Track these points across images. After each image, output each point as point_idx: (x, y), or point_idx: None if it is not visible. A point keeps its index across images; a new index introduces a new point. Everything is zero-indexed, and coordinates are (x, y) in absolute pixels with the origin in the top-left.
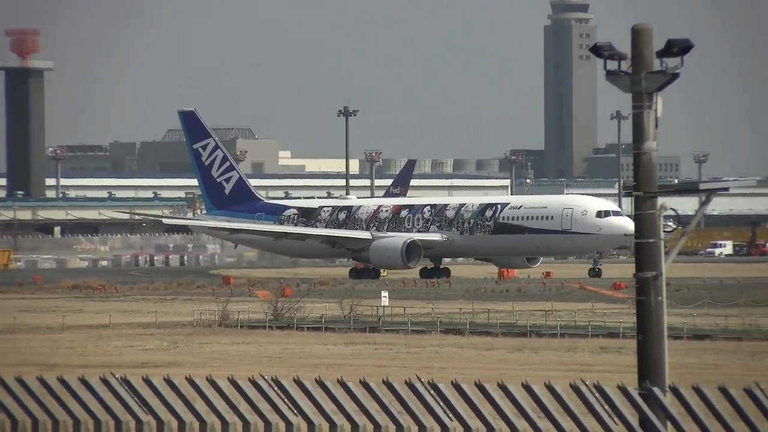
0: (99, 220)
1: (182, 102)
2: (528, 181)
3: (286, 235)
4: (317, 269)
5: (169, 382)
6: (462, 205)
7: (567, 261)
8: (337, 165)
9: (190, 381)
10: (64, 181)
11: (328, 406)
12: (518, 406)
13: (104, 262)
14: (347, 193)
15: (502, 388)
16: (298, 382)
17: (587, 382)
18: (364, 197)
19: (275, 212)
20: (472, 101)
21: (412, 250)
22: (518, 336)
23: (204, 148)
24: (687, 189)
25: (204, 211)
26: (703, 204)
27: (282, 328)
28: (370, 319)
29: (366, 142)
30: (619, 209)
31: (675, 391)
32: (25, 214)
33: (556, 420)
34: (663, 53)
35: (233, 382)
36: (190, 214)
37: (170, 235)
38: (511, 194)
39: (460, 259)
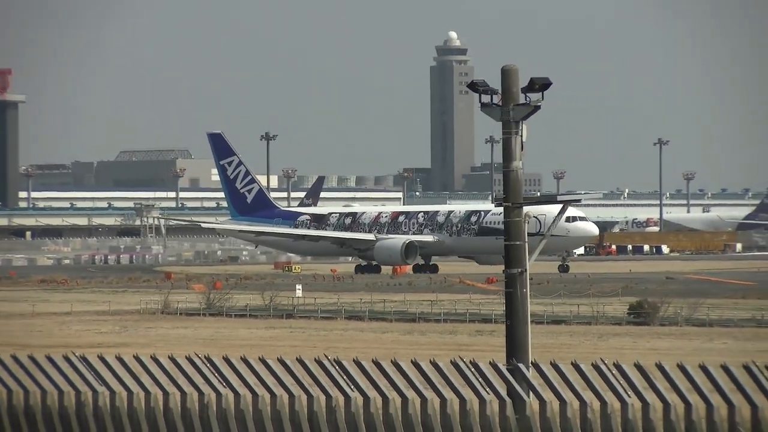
0: (62, 225)
1: (133, 127)
2: (417, 193)
3: (303, 237)
4: (243, 267)
5: (120, 360)
6: (450, 211)
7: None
8: (259, 180)
9: (137, 359)
10: (34, 194)
11: (252, 380)
12: (408, 380)
13: (67, 261)
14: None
15: (395, 364)
16: (227, 360)
17: (465, 360)
18: (366, 206)
19: (291, 218)
20: (371, 127)
21: (410, 250)
22: (409, 321)
23: (229, 164)
24: (547, 201)
25: (229, 218)
26: (560, 213)
27: (214, 315)
28: (286, 308)
29: (284, 161)
30: (584, 215)
31: (536, 367)
32: (2, 221)
33: (439, 391)
34: (527, 89)
35: (173, 360)
36: (138, 221)
37: (122, 238)
38: (403, 205)
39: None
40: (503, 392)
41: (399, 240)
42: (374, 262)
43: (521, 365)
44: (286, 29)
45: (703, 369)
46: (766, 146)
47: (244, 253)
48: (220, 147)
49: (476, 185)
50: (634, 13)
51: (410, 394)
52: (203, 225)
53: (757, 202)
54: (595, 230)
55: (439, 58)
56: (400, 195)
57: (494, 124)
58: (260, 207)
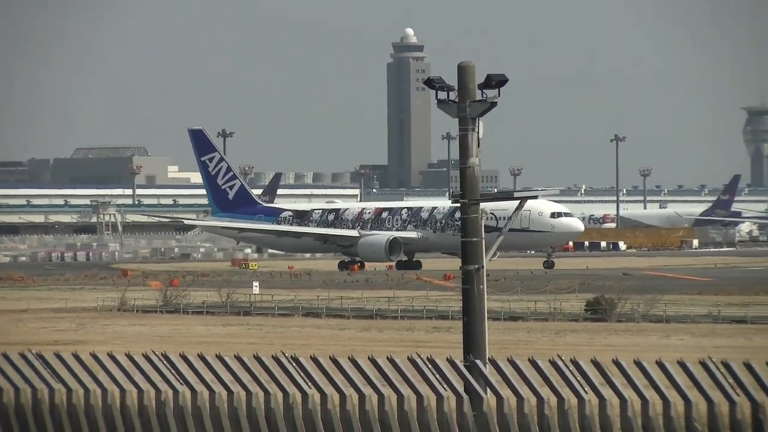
0: (19, 223)
1: (90, 125)
2: (374, 190)
3: (286, 233)
4: (200, 263)
5: (77, 357)
6: (434, 208)
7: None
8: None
9: (94, 356)
10: None
11: (209, 377)
12: (365, 376)
13: (23, 258)
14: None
15: (352, 361)
16: (184, 357)
17: (422, 356)
18: (349, 202)
19: (273, 214)
20: (328, 124)
21: (394, 246)
22: (366, 318)
23: (210, 160)
24: (504, 197)
25: (209, 215)
26: (517, 208)
27: (171, 313)
28: (243, 305)
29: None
30: (569, 211)
31: (494, 363)
32: None
33: (396, 387)
34: (484, 86)
35: (130, 357)
36: (95, 218)
37: (78, 235)
38: (360, 201)
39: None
40: (460, 389)
41: (383, 236)
42: (358, 259)
43: (478, 362)
44: (241, 24)
45: (660, 365)
46: (722, 143)
47: (201, 250)
48: (201, 143)
49: (433, 182)
50: (589, 10)
51: (367, 390)
52: (186, 222)
53: (713, 198)
54: (580, 226)
55: (396, 55)
56: (357, 192)
57: (451, 121)
58: (242, 203)
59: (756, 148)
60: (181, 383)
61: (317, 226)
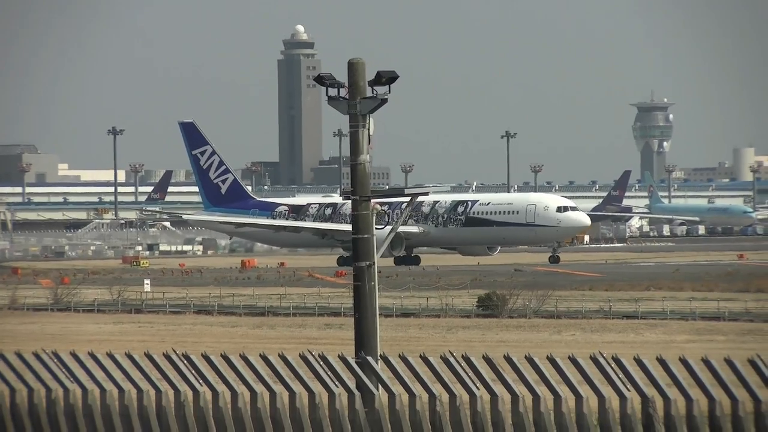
0: None
1: None
2: (266, 187)
3: (285, 228)
4: (90, 261)
5: None
6: (436, 202)
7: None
8: (107, 175)
9: None
10: None
11: (100, 375)
12: (257, 373)
13: None
14: (116, 199)
15: (244, 358)
16: (74, 355)
17: (314, 353)
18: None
19: (268, 209)
20: (219, 121)
21: (395, 241)
22: (258, 315)
23: (202, 154)
24: (395, 194)
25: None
26: (408, 204)
27: (62, 311)
28: (135, 303)
29: (131, 156)
30: (575, 205)
31: (385, 360)
32: None
33: (288, 384)
34: (374, 82)
35: (20, 356)
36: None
37: None
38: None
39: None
40: (352, 385)
41: (384, 231)
42: None
43: (370, 358)
44: (133, 22)
45: (551, 360)
46: (613, 139)
47: (92, 247)
48: (192, 136)
49: (325, 179)
50: (483, 6)
51: (259, 388)
52: (184, 217)
53: (604, 194)
54: (587, 220)
55: (287, 51)
56: (248, 189)
57: (342, 118)
58: (235, 198)
59: (645, 144)
60: (72, 382)
61: (314, 221)
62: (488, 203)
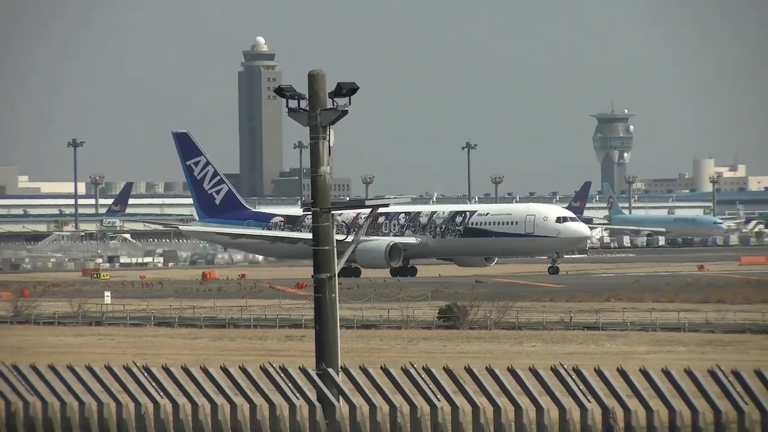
0: None
1: None
2: None
3: (281, 239)
4: (51, 273)
5: None
6: (433, 212)
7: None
8: (67, 187)
9: None
10: None
11: (59, 387)
12: (218, 386)
13: None
14: (76, 211)
15: (204, 370)
16: (34, 368)
17: (275, 365)
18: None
19: (263, 220)
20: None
21: (393, 252)
22: (219, 327)
23: (196, 164)
24: (356, 205)
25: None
26: (368, 216)
27: (22, 323)
28: (95, 315)
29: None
30: (575, 216)
31: (346, 371)
32: None
33: (249, 396)
34: (334, 94)
35: None
36: None
37: None
38: None
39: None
40: (313, 397)
41: (383, 242)
42: (354, 265)
43: (331, 370)
44: (93, 31)
45: (512, 372)
46: (573, 150)
47: (52, 260)
48: (186, 147)
49: (285, 190)
50: (443, 17)
51: (220, 400)
52: (180, 228)
53: (565, 205)
54: (587, 231)
55: (247, 63)
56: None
57: (303, 129)
58: (229, 208)
59: (606, 155)
60: (31, 394)
61: (310, 232)
62: (487, 214)
